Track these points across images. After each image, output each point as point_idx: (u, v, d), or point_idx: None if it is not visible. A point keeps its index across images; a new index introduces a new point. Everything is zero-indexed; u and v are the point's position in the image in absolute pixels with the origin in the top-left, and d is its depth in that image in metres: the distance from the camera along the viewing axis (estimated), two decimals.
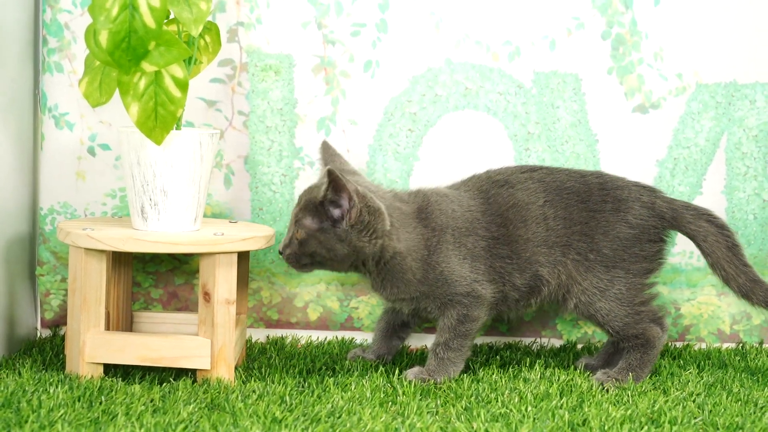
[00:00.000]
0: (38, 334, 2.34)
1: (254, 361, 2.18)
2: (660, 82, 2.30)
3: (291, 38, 2.27)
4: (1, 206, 2.17)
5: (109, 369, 2.07)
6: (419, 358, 2.24)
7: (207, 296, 2.02)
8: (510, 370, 2.14)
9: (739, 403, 1.97)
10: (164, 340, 2.03)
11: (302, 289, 2.34)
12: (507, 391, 1.99)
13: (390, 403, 1.92)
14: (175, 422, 1.78)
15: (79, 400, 1.87)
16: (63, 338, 2.26)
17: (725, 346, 2.35)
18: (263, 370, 2.10)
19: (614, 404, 1.94)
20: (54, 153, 2.28)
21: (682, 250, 2.29)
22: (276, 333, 2.36)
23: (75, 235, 2.01)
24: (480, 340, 2.36)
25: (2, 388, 1.90)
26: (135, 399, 1.88)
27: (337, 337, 2.35)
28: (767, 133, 2.31)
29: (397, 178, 2.30)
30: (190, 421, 1.79)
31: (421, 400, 1.93)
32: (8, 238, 2.20)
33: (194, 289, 2.33)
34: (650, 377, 2.12)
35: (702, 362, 2.22)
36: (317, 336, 2.36)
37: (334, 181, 1.98)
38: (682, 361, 2.23)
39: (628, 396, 1.99)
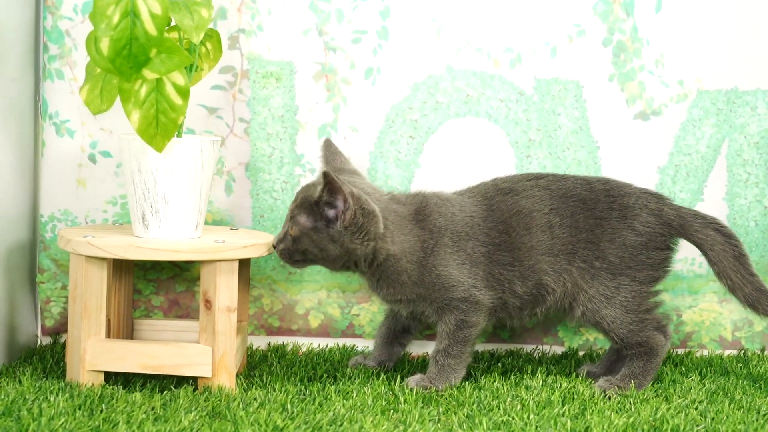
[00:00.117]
0: (39, 342, 2.33)
1: (255, 368, 2.17)
2: (661, 89, 2.30)
3: (292, 45, 2.27)
4: (1, 213, 2.16)
5: (110, 377, 2.07)
6: (421, 365, 2.24)
7: (208, 304, 2.02)
8: (512, 377, 2.14)
9: (742, 410, 1.96)
10: (165, 348, 2.02)
11: (303, 297, 2.33)
12: (509, 399, 1.99)
13: (392, 410, 1.92)
14: (176, 430, 1.77)
15: (79, 408, 1.87)
16: (63, 346, 2.26)
17: (727, 353, 2.35)
18: (264, 377, 2.10)
19: (616, 412, 1.93)
20: (55, 160, 2.27)
21: (684, 257, 2.29)
22: (277, 340, 2.36)
23: (76, 243, 2.01)
24: (481, 347, 2.35)
25: (2, 396, 1.90)
26: (136, 407, 1.88)
27: (338, 345, 2.35)
28: None
29: (398, 185, 2.29)
30: (191, 429, 1.78)
31: (422, 407, 1.93)
32: (9, 245, 2.20)
33: (195, 296, 2.32)
34: (652, 384, 2.11)
35: (704, 369, 2.22)
36: (318, 343, 2.35)
37: (330, 184, 1.98)
38: (684, 368, 2.23)
39: (630, 403, 1.98)
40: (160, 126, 1.96)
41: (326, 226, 2.02)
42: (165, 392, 1.98)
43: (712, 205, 2.31)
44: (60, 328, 2.31)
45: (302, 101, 2.29)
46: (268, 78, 2.28)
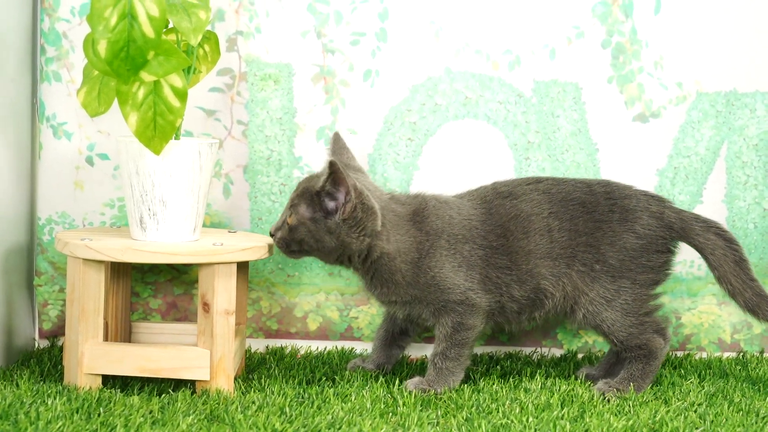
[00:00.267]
0: (36, 345, 2.33)
1: (254, 371, 2.17)
2: (660, 91, 2.29)
3: (290, 47, 2.27)
4: None
5: (108, 380, 2.06)
6: (419, 368, 2.23)
7: (206, 306, 2.01)
8: (511, 380, 2.14)
9: (741, 413, 1.96)
10: (163, 351, 2.02)
11: (302, 299, 2.33)
12: (508, 402, 1.98)
13: (390, 414, 1.91)
14: None
15: (77, 412, 1.86)
16: (61, 349, 2.25)
17: (726, 355, 2.35)
18: (263, 380, 2.10)
19: (615, 414, 1.93)
20: (52, 162, 2.27)
21: (682, 259, 2.29)
22: (275, 343, 2.35)
23: (73, 246, 2.00)
24: (480, 350, 2.35)
25: (0, 400, 1.89)
26: (134, 410, 1.87)
27: (336, 347, 2.34)
28: (767, 142, 2.31)
29: (397, 187, 2.29)
30: None
31: (421, 410, 1.93)
32: (6, 247, 2.19)
33: (193, 299, 2.32)
34: (651, 387, 2.11)
35: (703, 372, 2.22)
36: (317, 346, 2.35)
37: (335, 174, 1.98)
38: (683, 371, 2.22)
39: (630, 406, 1.98)
40: (158, 128, 1.96)
41: (324, 217, 2.02)
42: (163, 395, 1.98)
43: (711, 207, 2.30)
44: (57, 331, 2.30)
45: (300, 103, 2.28)
46: (267, 80, 2.27)
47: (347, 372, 2.17)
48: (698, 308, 2.34)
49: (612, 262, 2.09)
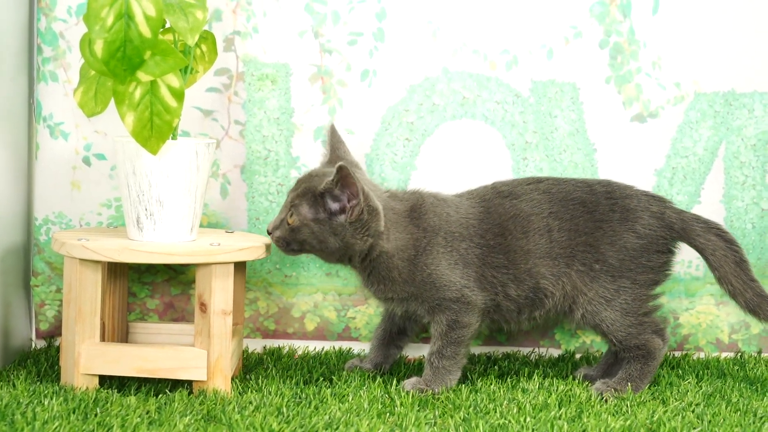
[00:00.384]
0: (33, 345, 2.32)
1: (251, 371, 2.17)
2: (658, 91, 2.29)
3: (288, 47, 2.27)
4: None
5: (105, 380, 2.06)
6: (417, 368, 2.23)
7: (203, 307, 2.01)
8: (508, 380, 2.13)
9: (738, 413, 1.96)
10: (160, 351, 2.02)
11: (299, 299, 2.33)
12: (505, 402, 1.98)
13: (388, 414, 1.91)
14: None
15: (74, 412, 1.86)
16: (58, 349, 2.25)
17: (724, 355, 2.35)
18: (260, 381, 2.09)
19: (613, 415, 1.93)
20: (49, 162, 2.26)
21: (681, 259, 2.28)
22: (273, 343, 2.35)
23: (70, 246, 2.00)
24: (478, 350, 2.35)
25: None
26: (131, 411, 1.87)
27: (334, 348, 2.34)
28: (765, 142, 2.31)
29: (394, 187, 2.28)
30: None
31: (419, 411, 1.92)
32: (3, 248, 2.19)
33: (190, 299, 2.32)
34: (649, 387, 2.11)
35: (701, 372, 2.21)
36: (314, 346, 2.35)
37: (345, 178, 1.98)
38: (680, 371, 2.22)
39: (627, 406, 1.98)
40: (155, 128, 1.96)
41: (328, 218, 2.01)
42: (160, 396, 1.97)
43: (709, 207, 2.30)
44: (54, 332, 2.30)
45: (298, 103, 2.28)
46: (264, 80, 2.27)
47: (345, 372, 2.17)
48: (696, 308, 2.34)
49: (612, 262, 2.08)
